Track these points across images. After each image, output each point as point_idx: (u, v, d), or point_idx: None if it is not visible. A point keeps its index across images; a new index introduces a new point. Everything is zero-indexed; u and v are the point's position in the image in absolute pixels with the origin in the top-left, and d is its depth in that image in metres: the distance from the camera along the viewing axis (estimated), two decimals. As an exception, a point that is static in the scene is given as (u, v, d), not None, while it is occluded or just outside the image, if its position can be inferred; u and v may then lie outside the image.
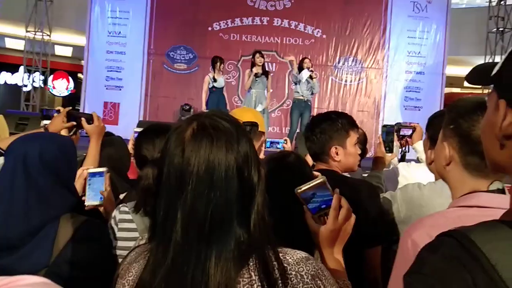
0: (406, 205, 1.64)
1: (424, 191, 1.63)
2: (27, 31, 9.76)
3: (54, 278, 1.14)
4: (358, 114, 8.53)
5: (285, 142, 2.67)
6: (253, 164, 0.80)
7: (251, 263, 0.77)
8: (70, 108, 2.08)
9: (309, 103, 6.85)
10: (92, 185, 1.61)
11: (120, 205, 1.45)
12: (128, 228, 1.39)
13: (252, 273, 0.76)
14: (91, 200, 1.59)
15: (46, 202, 1.18)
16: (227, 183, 0.76)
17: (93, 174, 1.62)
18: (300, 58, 7.17)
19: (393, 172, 2.22)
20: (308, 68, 6.62)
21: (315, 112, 8.59)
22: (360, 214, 1.59)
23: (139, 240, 1.20)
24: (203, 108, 6.94)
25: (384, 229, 1.64)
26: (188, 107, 8.48)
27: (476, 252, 0.51)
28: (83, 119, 1.94)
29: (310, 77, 6.64)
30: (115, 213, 1.44)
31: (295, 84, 6.81)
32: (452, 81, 10.90)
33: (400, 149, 2.43)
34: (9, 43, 12.19)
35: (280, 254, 0.80)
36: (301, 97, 6.72)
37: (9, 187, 1.17)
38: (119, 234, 1.39)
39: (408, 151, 2.50)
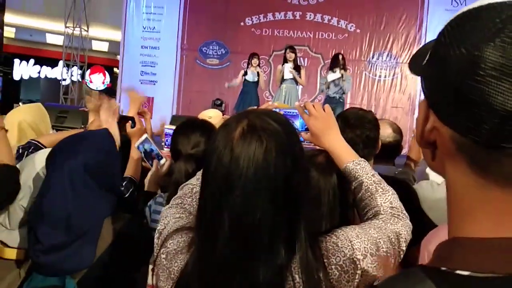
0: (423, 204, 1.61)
1: (437, 192, 1.59)
2: (66, 27, 10.09)
3: (98, 275, 1.20)
4: (392, 111, 8.36)
5: None
6: (301, 169, 0.79)
7: (294, 265, 0.76)
8: (119, 104, 2.14)
9: (341, 100, 6.75)
10: (148, 153, 1.70)
11: (157, 196, 1.48)
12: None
13: (296, 275, 0.76)
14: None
15: (90, 209, 1.22)
16: (275, 184, 0.74)
17: (141, 148, 1.71)
18: (333, 54, 7.08)
19: (425, 169, 2.17)
20: (338, 67, 6.52)
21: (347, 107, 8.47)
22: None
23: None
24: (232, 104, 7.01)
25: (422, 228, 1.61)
26: (219, 102, 8.55)
27: None
28: (129, 122, 1.98)
29: (341, 75, 6.53)
30: (151, 202, 1.48)
31: (322, 90, 6.75)
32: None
33: None
34: (50, 39, 12.63)
35: (320, 246, 0.80)
36: (333, 95, 6.65)
37: (54, 195, 1.22)
38: (151, 224, 1.43)
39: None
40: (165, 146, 2.36)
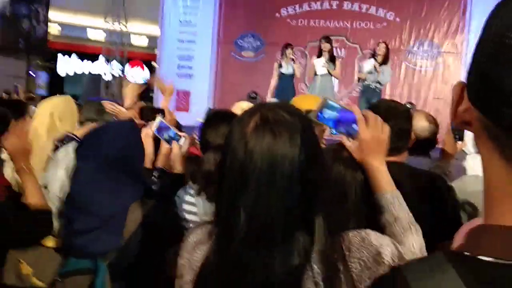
0: (462, 198, 1.53)
1: (479, 184, 1.51)
2: (105, 22, 10.39)
3: (125, 258, 1.25)
4: (433, 102, 8.06)
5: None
6: (317, 162, 0.78)
7: (313, 256, 0.75)
8: (144, 104, 2.21)
9: (378, 91, 6.56)
10: (166, 134, 1.74)
11: (187, 186, 1.50)
12: (190, 211, 1.44)
13: (315, 266, 0.75)
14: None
15: (116, 195, 1.27)
16: (290, 178, 0.74)
17: (158, 131, 1.75)
18: (371, 43, 6.90)
19: (461, 162, 2.07)
20: (374, 56, 6.35)
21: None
22: (430, 206, 1.51)
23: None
24: (269, 96, 6.93)
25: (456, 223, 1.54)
26: (254, 95, 8.55)
27: None
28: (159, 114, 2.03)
29: (375, 67, 6.35)
30: (180, 193, 1.49)
31: (359, 80, 6.59)
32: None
33: None
34: (90, 34, 13.06)
35: (341, 241, 0.78)
36: (370, 84, 6.48)
37: (80, 183, 1.27)
38: (181, 214, 1.45)
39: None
40: (197, 139, 2.38)
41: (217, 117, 1.55)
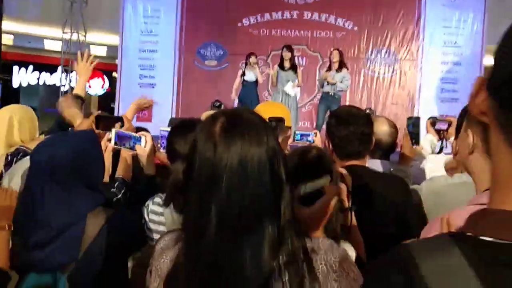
0: (433, 198, 1.59)
1: (450, 185, 1.57)
2: (63, 32, 10.10)
3: (85, 269, 1.21)
4: (391, 107, 8.33)
5: (314, 135, 2.65)
6: (280, 158, 0.80)
7: (281, 258, 0.77)
8: (99, 112, 2.15)
9: (337, 97, 6.71)
10: (126, 143, 1.73)
11: (155, 196, 1.48)
12: (157, 221, 1.42)
13: (282, 267, 0.76)
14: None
15: (72, 205, 1.24)
16: (260, 175, 0.77)
17: (119, 141, 1.74)
18: (330, 52, 7.06)
19: (420, 165, 2.14)
20: (335, 69, 6.53)
21: (347, 106, 8.44)
22: (392, 207, 1.56)
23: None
24: (235, 102, 6.96)
25: (420, 223, 1.60)
26: (218, 103, 8.51)
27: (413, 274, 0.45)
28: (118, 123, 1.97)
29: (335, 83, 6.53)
30: (148, 202, 1.47)
31: (322, 87, 6.74)
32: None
33: (439, 143, 2.35)
34: (48, 45, 12.65)
35: (308, 244, 0.80)
36: (329, 91, 6.63)
37: (32, 195, 1.23)
38: (149, 224, 1.43)
39: (446, 146, 2.41)
40: (161, 148, 2.35)
41: (184, 126, 1.53)
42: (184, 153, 1.39)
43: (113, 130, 1.74)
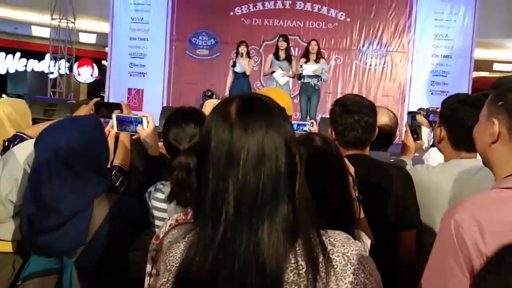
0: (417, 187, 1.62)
1: (433, 174, 1.60)
2: (52, 19, 9.91)
3: (92, 254, 1.21)
4: (383, 99, 8.37)
5: (311, 124, 2.65)
6: (294, 142, 0.81)
7: (297, 248, 0.77)
8: (98, 99, 2.11)
9: (317, 88, 6.70)
10: (128, 127, 1.70)
11: (158, 183, 1.46)
12: (160, 208, 1.41)
13: (299, 258, 0.76)
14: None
15: (79, 191, 1.23)
16: (276, 156, 0.77)
17: (120, 126, 1.71)
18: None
19: (422, 157, 2.16)
20: (313, 59, 6.48)
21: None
22: (393, 196, 1.58)
23: (167, 220, 1.22)
24: (226, 93, 6.91)
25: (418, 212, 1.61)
26: (210, 93, 8.50)
27: None
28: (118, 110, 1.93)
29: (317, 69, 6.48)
30: (151, 189, 1.46)
31: (299, 79, 6.67)
32: (480, 64, 10.56)
33: (432, 134, 2.37)
34: (36, 31, 12.41)
35: (324, 237, 0.79)
36: (309, 81, 6.60)
37: (41, 180, 1.21)
38: (152, 211, 1.42)
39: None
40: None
41: (180, 116, 1.47)
42: (184, 147, 1.37)
43: (114, 115, 1.72)
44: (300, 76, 6.55)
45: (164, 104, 8.72)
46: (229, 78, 6.93)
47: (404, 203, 1.58)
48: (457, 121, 1.54)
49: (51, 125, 1.32)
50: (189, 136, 1.40)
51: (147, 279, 1.15)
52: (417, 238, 1.60)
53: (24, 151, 1.46)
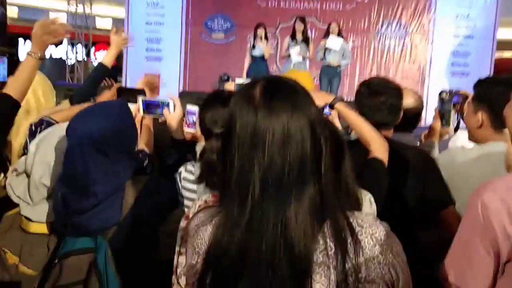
0: (447, 170, 1.59)
1: (469, 156, 1.57)
2: (69, 5, 9.97)
3: (124, 233, 1.25)
4: (402, 81, 8.15)
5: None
6: (320, 123, 0.80)
7: (326, 229, 0.77)
8: (121, 84, 2.14)
9: (338, 70, 6.63)
10: (155, 111, 1.74)
11: (187, 163, 1.48)
12: (190, 188, 1.44)
13: (327, 240, 0.76)
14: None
15: (112, 173, 1.27)
16: (302, 138, 0.77)
17: (147, 110, 1.74)
18: (341, 24, 6.94)
19: (447, 143, 2.12)
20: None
21: (356, 80, 8.37)
22: (416, 178, 1.56)
23: (196, 201, 1.25)
24: (244, 77, 6.88)
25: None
26: (226, 77, 8.46)
27: None
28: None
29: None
30: (181, 169, 1.49)
31: (322, 59, 6.62)
32: (503, 45, 10.26)
33: (455, 116, 2.30)
34: (53, 17, 12.51)
35: (351, 219, 0.80)
36: (330, 64, 6.54)
37: (75, 165, 1.25)
38: (181, 191, 1.45)
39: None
40: (186, 125, 2.32)
41: (216, 100, 1.46)
42: (218, 130, 1.38)
43: (140, 99, 1.73)
44: (321, 56, 6.48)
45: (181, 89, 8.75)
46: (246, 61, 6.90)
47: (426, 188, 1.55)
48: (499, 103, 1.50)
49: (82, 111, 1.34)
50: (224, 119, 1.41)
51: (176, 258, 1.18)
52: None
53: (55, 136, 1.49)
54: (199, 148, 1.60)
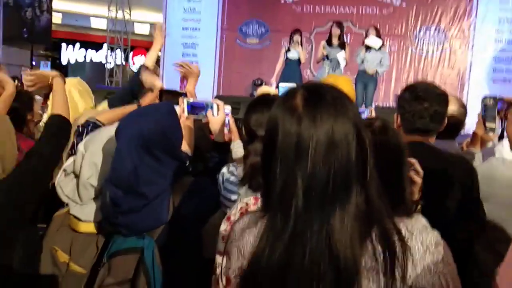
0: (486, 181, 1.53)
1: (509, 169, 1.51)
2: (109, 10, 10.31)
3: (171, 233, 1.30)
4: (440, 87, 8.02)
5: (369, 112, 2.60)
6: (363, 128, 0.79)
7: (373, 235, 0.76)
8: (163, 86, 2.19)
9: (374, 76, 6.53)
10: (199, 113, 1.77)
11: (230, 165, 1.51)
12: (231, 190, 1.46)
13: (376, 245, 0.75)
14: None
15: (160, 174, 1.31)
16: (347, 143, 0.75)
17: (192, 112, 1.77)
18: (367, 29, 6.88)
19: (492, 150, 2.05)
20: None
21: (392, 85, 8.22)
22: (454, 187, 1.52)
23: (238, 203, 1.26)
24: (273, 80, 6.89)
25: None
26: (260, 82, 8.50)
27: None
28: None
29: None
30: (223, 170, 1.52)
31: (362, 62, 6.57)
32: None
33: (499, 123, 2.22)
34: (94, 23, 12.97)
35: (401, 224, 0.78)
36: (365, 69, 6.45)
37: (125, 166, 1.29)
38: (223, 193, 1.48)
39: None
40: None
41: (262, 103, 1.48)
42: (263, 132, 1.39)
43: (185, 100, 1.76)
44: (362, 61, 6.44)
45: (215, 93, 8.85)
46: (278, 66, 6.89)
47: (465, 199, 1.50)
48: None
49: (132, 113, 1.39)
50: (268, 119, 1.44)
51: (218, 257, 1.19)
52: (485, 232, 1.54)
53: (103, 138, 1.55)
54: (235, 146, 1.62)
